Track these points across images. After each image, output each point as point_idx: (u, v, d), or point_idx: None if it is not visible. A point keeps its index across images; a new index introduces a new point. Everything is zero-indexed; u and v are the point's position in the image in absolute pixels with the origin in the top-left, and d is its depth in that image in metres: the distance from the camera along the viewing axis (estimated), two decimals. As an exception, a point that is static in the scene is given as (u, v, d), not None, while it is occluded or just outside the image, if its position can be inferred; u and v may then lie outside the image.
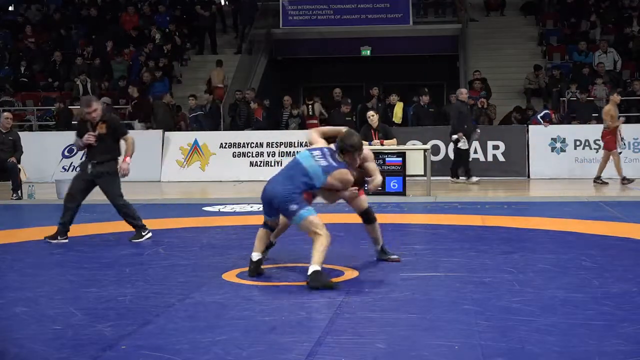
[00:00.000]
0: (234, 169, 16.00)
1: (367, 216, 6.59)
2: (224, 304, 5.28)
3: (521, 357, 4.04)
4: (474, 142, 14.88)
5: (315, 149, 6.21)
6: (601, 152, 15.23)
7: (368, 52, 21.69)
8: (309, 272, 5.66)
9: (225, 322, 4.82)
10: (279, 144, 16.04)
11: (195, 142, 16.25)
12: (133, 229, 8.16)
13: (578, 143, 15.41)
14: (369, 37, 21.50)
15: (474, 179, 14.30)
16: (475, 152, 15.45)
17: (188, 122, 17.69)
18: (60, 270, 6.73)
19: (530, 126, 15.72)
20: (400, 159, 12.27)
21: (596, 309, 4.98)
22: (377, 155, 12.28)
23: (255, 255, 6.13)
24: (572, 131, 15.61)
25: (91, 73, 19.78)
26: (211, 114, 17.66)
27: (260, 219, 6.46)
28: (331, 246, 7.29)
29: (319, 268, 5.69)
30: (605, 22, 20.64)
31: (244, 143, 16.19)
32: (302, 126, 17.06)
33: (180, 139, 16.42)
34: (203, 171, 16.14)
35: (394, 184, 12.23)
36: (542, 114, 15.91)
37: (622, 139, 13.90)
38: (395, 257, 6.67)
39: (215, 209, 10.97)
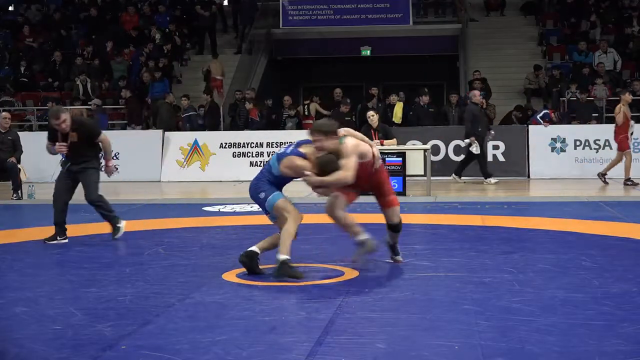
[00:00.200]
0: (234, 169, 16.00)
1: (394, 228, 6.53)
2: (224, 304, 5.27)
3: (521, 357, 4.04)
4: (488, 143, 14.80)
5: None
6: (601, 152, 15.27)
7: (368, 52, 21.69)
8: (277, 262, 5.85)
9: (225, 322, 4.81)
10: (279, 144, 16.03)
11: (195, 142, 16.25)
12: (112, 228, 8.17)
13: (578, 143, 15.41)
14: (369, 37, 21.50)
15: (492, 180, 14.21)
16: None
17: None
18: (60, 270, 6.73)
19: (530, 126, 15.72)
20: (400, 159, 12.26)
21: (596, 309, 4.98)
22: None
23: (254, 248, 6.16)
24: (572, 131, 15.61)
25: (91, 73, 19.77)
26: (210, 113, 17.65)
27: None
28: (331, 246, 7.34)
29: (285, 257, 5.86)
30: (605, 22, 20.64)
31: (244, 143, 16.19)
32: (300, 126, 17.08)
33: (180, 139, 16.42)
34: (203, 171, 16.14)
35: (394, 184, 12.18)
36: (541, 114, 15.91)
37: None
38: (399, 258, 6.66)
39: (215, 209, 10.97)
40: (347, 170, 5.92)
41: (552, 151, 15.40)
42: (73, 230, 8.49)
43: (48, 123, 8.17)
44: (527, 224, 9.10)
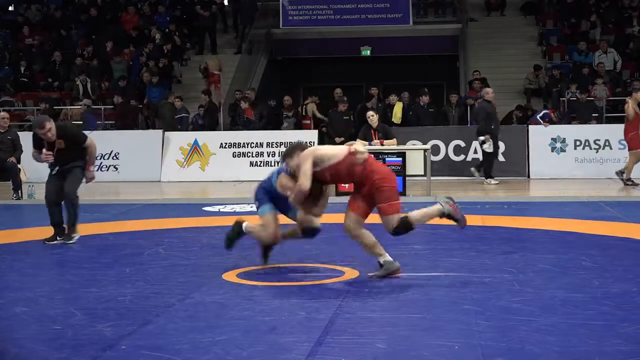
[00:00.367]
0: (234, 169, 15.99)
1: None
2: (224, 304, 5.28)
3: (521, 357, 4.04)
4: (499, 142, 14.76)
5: None
6: (601, 152, 15.26)
7: (368, 52, 21.69)
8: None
9: (225, 322, 4.82)
10: (279, 144, 16.03)
11: (195, 142, 16.25)
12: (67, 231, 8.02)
13: (578, 143, 15.40)
14: (369, 37, 21.50)
15: (493, 181, 14.15)
16: (475, 152, 15.44)
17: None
18: (60, 270, 6.73)
19: (530, 126, 15.71)
20: (400, 159, 12.26)
21: (596, 309, 4.99)
22: (377, 155, 12.29)
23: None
24: (572, 131, 15.60)
25: (91, 73, 19.77)
26: (208, 113, 17.65)
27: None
28: (331, 246, 7.34)
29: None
30: (605, 22, 20.64)
31: (244, 143, 16.19)
32: (298, 126, 17.08)
33: (180, 139, 16.42)
34: (203, 171, 16.13)
35: (393, 184, 12.21)
36: (541, 114, 15.90)
37: None
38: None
39: (215, 209, 10.97)
40: (300, 177, 5.95)
41: (552, 151, 15.39)
42: (73, 230, 8.49)
43: (33, 132, 8.00)
44: (527, 224, 9.10)
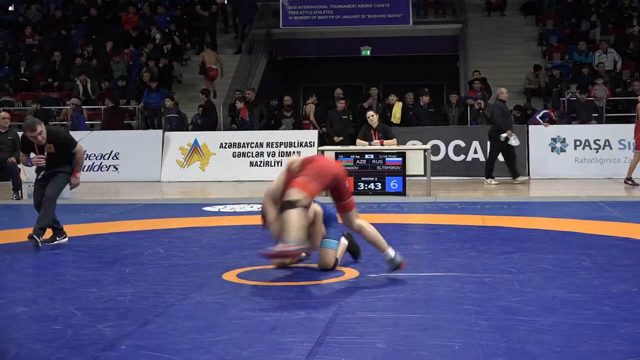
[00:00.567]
0: (234, 169, 16.00)
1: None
2: (224, 304, 5.27)
3: (521, 357, 4.04)
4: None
5: None
6: (601, 152, 15.27)
7: (368, 52, 21.69)
8: None
9: (225, 322, 4.81)
10: (279, 144, 16.04)
11: (195, 142, 16.25)
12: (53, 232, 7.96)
13: (578, 143, 15.40)
14: (369, 37, 21.51)
15: (493, 182, 14.12)
16: (476, 152, 15.45)
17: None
18: (60, 270, 6.72)
19: (530, 126, 15.72)
20: (400, 159, 12.27)
21: (596, 309, 4.98)
22: (377, 155, 12.30)
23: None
24: (572, 131, 15.61)
25: (91, 73, 19.78)
26: (207, 113, 17.65)
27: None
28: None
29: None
30: (605, 22, 20.65)
31: (244, 143, 16.19)
32: (297, 126, 17.09)
33: (180, 139, 16.42)
34: (203, 171, 16.14)
35: (394, 184, 12.23)
36: (541, 114, 15.90)
37: None
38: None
39: (215, 209, 10.97)
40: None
41: (552, 151, 15.40)
42: (73, 230, 8.49)
43: (23, 135, 7.84)
44: (527, 224, 9.10)
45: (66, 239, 8.03)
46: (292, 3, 21.39)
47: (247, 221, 9.34)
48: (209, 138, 16.39)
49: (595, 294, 5.43)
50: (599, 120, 16.53)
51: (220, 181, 15.65)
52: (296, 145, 15.96)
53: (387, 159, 12.27)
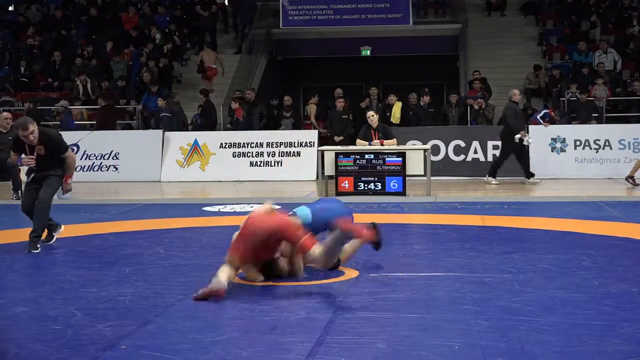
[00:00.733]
0: (234, 169, 15.99)
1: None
2: (224, 304, 5.27)
3: (521, 357, 4.04)
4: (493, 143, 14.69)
5: None
6: (601, 152, 15.26)
7: (368, 52, 21.69)
8: None
9: (225, 322, 4.82)
10: (279, 144, 16.04)
11: (195, 142, 16.25)
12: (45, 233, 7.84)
13: (578, 143, 15.40)
14: (369, 37, 21.50)
15: (494, 181, 14.10)
16: (476, 152, 15.44)
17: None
18: (60, 270, 6.73)
19: (530, 126, 15.69)
20: (400, 159, 12.26)
21: (596, 309, 4.99)
22: (377, 155, 12.30)
23: None
24: (572, 131, 15.60)
25: (91, 73, 19.78)
26: (206, 113, 17.65)
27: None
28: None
29: None
30: (605, 22, 20.65)
31: (244, 143, 16.19)
32: (297, 126, 17.09)
33: (180, 139, 16.42)
34: (203, 171, 16.14)
35: (394, 184, 12.23)
36: (541, 114, 15.89)
37: None
38: None
39: (215, 209, 10.97)
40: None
41: (552, 151, 15.39)
42: (73, 230, 8.50)
43: (15, 134, 7.72)
44: (527, 224, 9.10)
45: (62, 228, 8.00)
46: (292, 3, 21.39)
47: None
48: (209, 138, 16.38)
49: (595, 294, 5.43)
50: (599, 120, 16.53)
51: (220, 181, 15.65)
52: (296, 145, 15.96)
53: (387, 159, 12.27)
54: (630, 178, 13.33)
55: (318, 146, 15.17)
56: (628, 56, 19.24)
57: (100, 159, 16.37)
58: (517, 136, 13.97)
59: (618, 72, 18.75)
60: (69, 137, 16.23)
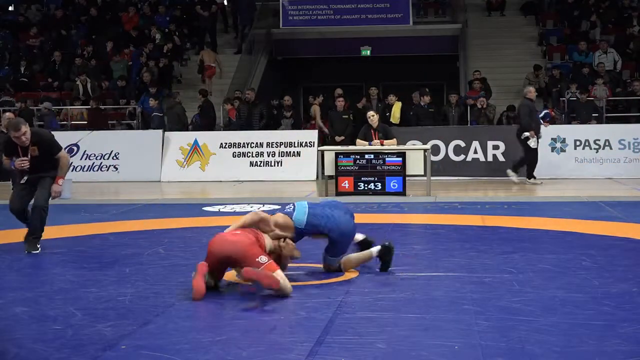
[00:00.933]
0: (234, 169, 15.99)
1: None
2: (224, 304, 5.28)
3: (521, 357, 4.04)
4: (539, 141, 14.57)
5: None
6: (601, 152, 15.26)
7: (368, 52, 21.69)
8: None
9: (225, 322, 4.82)
10: (279, 144, 16.04)
11: (195, 142, 16.25)
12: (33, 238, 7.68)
13: (578, 143, 15.40)
14: (369, 37, 21.51)
15: (537, 181, 14.03)
16: (476, 152, 15.44)
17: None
18: (60, 270, 6.73)
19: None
20: (400, 159, 12.26)
21: (596, 309, 4.99)
22: (377, 155, 12.30)
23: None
24: (572, 131, 15.60)
25: (91, 73, 19.78)
26: (204, 113, 17.65)
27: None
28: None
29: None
30: (605, 22, 20.65)
31: (244, 143, 16.19)
32: (297, 126, 17.07)
33: (180, 139, 16.42)
34: (203, 171, 16.14)
35: (394, 184, 12.23)
36: (542, 114, 15.87)
37: None
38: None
39: (215, 209, 10.97)
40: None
41: (552, 151, 15.38)
42: (73, 230, 8.49)
43: (6, 136, 7.57)
44: (527, 224, 9.10)
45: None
46: (292, 3, 21.40)
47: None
48: (209, 138, 16.39)
49: (595, 294, 5.43)
50: (599, 120, 16.53)
51: (220, 181, 15.65)
52: (296, 145, 15.96)
53: (387, 159, 12.27)
54: None
55: (318, 146, 15.17)
56: (628, 56, 19.23)
57: (100, 159, 16.38)
58: (526, 134, 13.92)
59: (618, 72, 18.75)
60: (69, 137, 16.38)
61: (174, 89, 19.43)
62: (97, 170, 16.31)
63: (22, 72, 20.68)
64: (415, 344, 4.29)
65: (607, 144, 15.22)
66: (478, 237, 8.11)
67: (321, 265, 6.39)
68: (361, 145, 12.66)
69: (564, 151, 15.40)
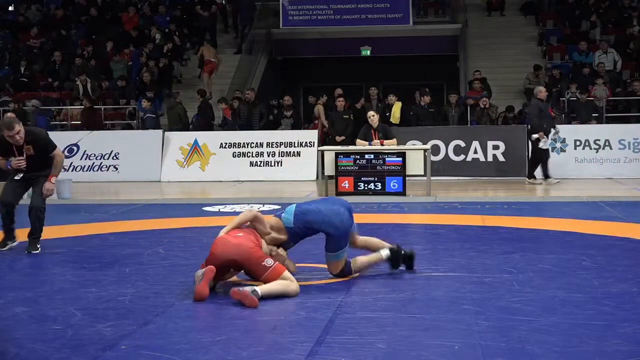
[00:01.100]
0: (234, 169, 16.00)
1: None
2: (224, 304, 5.27)
3: (521, 357, 4.04)
4: (551, 141, 14.58)
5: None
6: (601, 152, 15.26)
7: (368, 52, 21.70)
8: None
9: (225, 322, 4.82)
10: (279, 144, 16.04)
11: (195, 142, 16.25)
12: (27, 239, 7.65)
13: (578, 143, 15.40)
14: (369, 37, 21.52)
15: (553, 180, 14.06)
16: (476, 152, 15.44)
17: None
18: (60, 270, 6.73)
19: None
20: (400, 159, 12.27)
21: (596, 309, 4.99)
22: (377, 155, 12.30)
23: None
24: (572, 131, 15.60)
25: (91, 73, 19.78)
26: (203, 113, 17.65)
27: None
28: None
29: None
30: (605, 22, 20.65)
31: (244, 143, 16.19)
32: (296, 126, 17.08)
33: (180, 139, 16.42)
34: (203, 171, 16.14)
35: (394, 184, 12.23)
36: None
37: None
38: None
39: (215, 209, 10.97)
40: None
41: (552, 151, 15.38)
42: (73, 230, 8.49)
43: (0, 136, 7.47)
44: (527, 224, 9.10)
45: (16, 243, 7.73)
46: (292, 3, 21.40)
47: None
48: (208, 138, 16.39)
49: (595, 294, 5.43)
50: (599, 120, 16.53)
51: (220, 181, 15.65)
52: (296, 145, 15.96)
53: (387, 159, 12.27)
54: None
55: (318, 146, 15.17)
56: (628, 56, 19.24)
57: (100, 159, 16.38)
58: (535, 136, 13.91)
59: (618, 72, 18.75)
60: (69, 137, 16.39)
61: (174, 89, 19.43)
62: (97, 170, 16.31)
63: (22, 72, 20.69)
64: (415, 344, 4.29)
65: (607, 144, 15.23)
66: (478, 237, 8.11)
67: (321, 265, 6.40)
68: (361, 145, 12.66)
69: (564, 151, 15.40)
